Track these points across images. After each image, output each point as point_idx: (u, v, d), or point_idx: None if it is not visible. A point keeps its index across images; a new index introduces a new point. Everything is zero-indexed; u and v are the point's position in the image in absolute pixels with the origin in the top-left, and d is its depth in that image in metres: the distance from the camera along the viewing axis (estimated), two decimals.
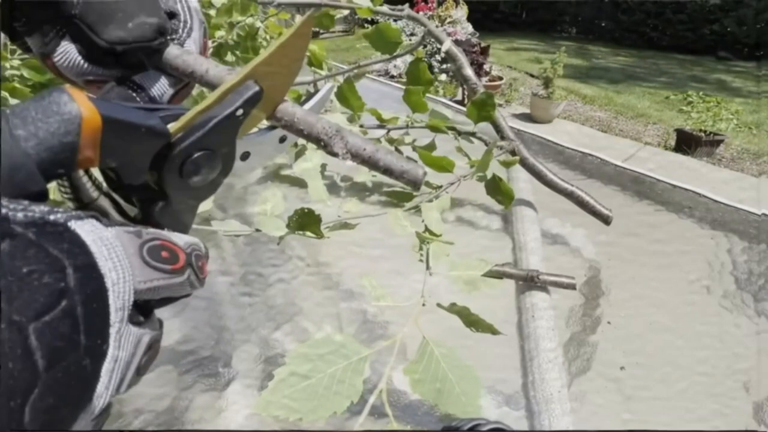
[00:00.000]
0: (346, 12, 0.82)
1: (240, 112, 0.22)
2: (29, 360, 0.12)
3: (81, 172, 0.18)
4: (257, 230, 0.57)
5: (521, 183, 0.76)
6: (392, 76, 3.57)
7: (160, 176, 0.20)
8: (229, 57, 0.90)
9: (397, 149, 0.74)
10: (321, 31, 0.94)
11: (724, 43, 5.80)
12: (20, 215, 0.13)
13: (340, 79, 0.84)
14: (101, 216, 0.17)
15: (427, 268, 0.50)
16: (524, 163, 0.70)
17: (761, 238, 0.70)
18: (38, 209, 0.14)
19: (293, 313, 0.53)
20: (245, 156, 0.25)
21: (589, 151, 0.94)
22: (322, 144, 0.27)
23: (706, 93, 3.32)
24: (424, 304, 0.45)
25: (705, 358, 0.52)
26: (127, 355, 0.16)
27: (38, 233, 0.13)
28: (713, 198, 0.78)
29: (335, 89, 0.73)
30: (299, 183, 0.72)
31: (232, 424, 0.41)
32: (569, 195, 0.68)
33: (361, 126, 0.74)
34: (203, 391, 0.44)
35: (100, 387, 0.15)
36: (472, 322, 0.44)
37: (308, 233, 0.56)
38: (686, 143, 3.11)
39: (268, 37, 0.99)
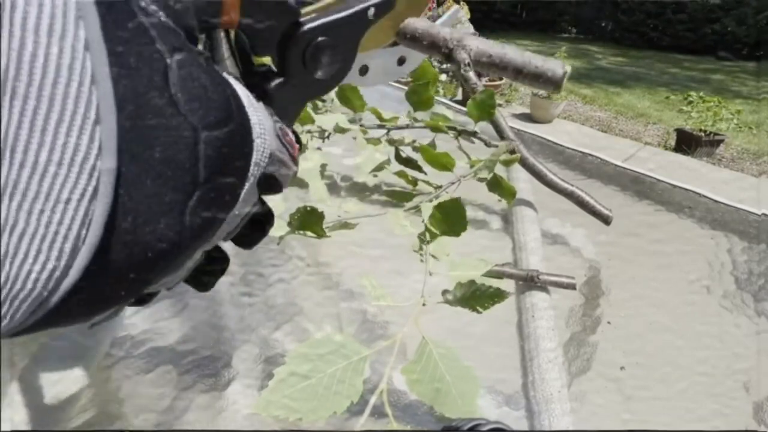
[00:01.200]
0: None
1: (371, 12, 0.23)
2: (195, 166, 0.13)
3: (222, 35, 0.19)
4: None
5: (521, 183, 0.76)
6: None
7: (284, 56, 0.21)
8: None
9: (397, 150, 0.74)
10: None
11: (724, 42, 5.80)
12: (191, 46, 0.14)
13: None
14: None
15: (424, 259, 0.50)
16: (524, 163, 0.70)
17: (761, 238, 0.70)
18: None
19: (293, 313, 0.53)
20: (364, 70, 0.26)
21: (589, 151, 0.94)
22: (445, 53, 0.27)
23: (706, 93, 3.33)
24: (424, 304, 0.45)
25: (705, 358, 0.52)
26: (243, 212, 0.17)
27: (207, 62, 0.14)
28: (713, 198, 0.78)
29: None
30: (299, 183, 0.72)
31: (232, 424, 0.41)
32: (569, 195, 0.68)
33: (362, 126, 0.74)
34: (203, 391, 0.44)
35: (224, 226, 0.16)
36: (480, 296, 0.44)
37: (309, 233, 0.56)
38: (686, 143, 3.11)
39: None
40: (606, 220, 0.67)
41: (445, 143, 0.69)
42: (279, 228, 0.56)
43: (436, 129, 0.69)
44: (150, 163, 0.12)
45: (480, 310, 0.44)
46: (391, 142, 0.75)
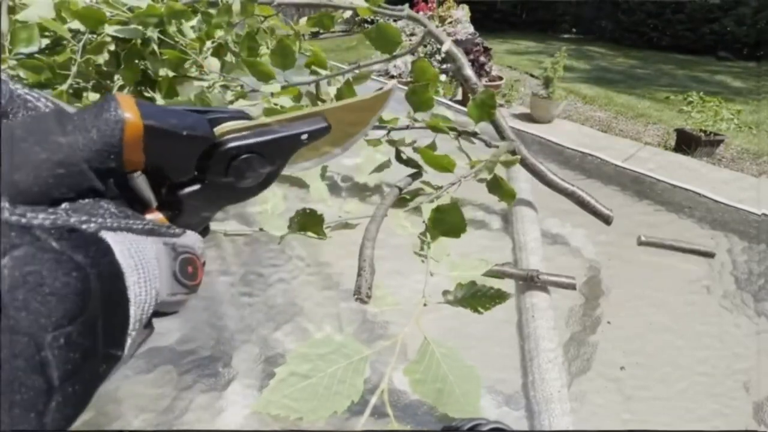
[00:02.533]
0: (349, 13, 0.82)
1: (305, 137, 0.23)
2: (43, 374, 0.12)
3: (138, 173, 0.18)
4: (260, 230, 0.57)
5: (521, 183, 0.76)
6: (392, 76, 3.57)
7: (204, 168, 0.21)
8: (229, 57, 0.90)
9: (397, 150, 0.74)
10: (321, 31, 0.94)
11: (724, 42, 5.80)
12: (47, 222, 0.13)
13: (341, 79, 0.85)
14: (158, 225, 0.18)
15: (425, 259, 0.50)
16: (524, 163, 0.70)
17: (761, 238, 0.70)
18: (74, 218, 0.14)
19: (293, 313, 0.53)
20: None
21: (589, 151, 0.94)
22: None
23: (706, 93, 3.32)
24: (425, 304, 0.45)
25: (705, 358, 0.52)
26: (128, 355, 0.16)
27: (62, 240, 0.13)
28: (713, 198, 0.78)
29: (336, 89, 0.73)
30: (299, 183, 0.72)
31: (232, 424, 0.41)
32: (569, 195, 0.68)
33: None
34: (203, 391, 0.44)
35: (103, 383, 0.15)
36: (481, 297, 0.44)
37: (309, 233, 0.56)
38: (686, 143, 3.11)
39: (268, 39, 0.99)
40: (606, 220, 0.67)
41: (446, 143, 0.69)
42: (279, 228, 0.56)
43: (436, 129, 0.69)
44: None
45: (481, 311, 0.44)
46: (391, 142, 0.75)
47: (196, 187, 0.21)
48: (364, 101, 0.26)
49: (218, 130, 0.21)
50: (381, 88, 0.27)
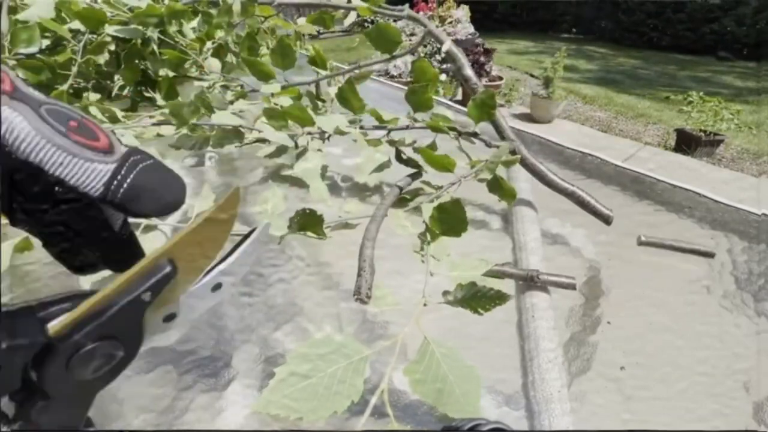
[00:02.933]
0: (354, 17, 0.83)
1: (147, 296, 0.20)
2: None
3: None
4: None
5: (521, 183, 0.76)
6: (392, 76, 3.57)
7: (40, 374, 0.18)
8: (229, 57, 0.90)
9: (397, 150, 0.74)
10: (321, 30, 0.94)
11: (724, 42, 5.81)
12: None
13: (341, 79, 0.85)
14: None
15: (425, 260, 0.50)
16: (524, 163, 0.70)
17: (761, 238, 0.70)
18: None
19: (293, 313, 0.53)
20: (170, 317, 0.23)
21: (589, 151, 0.94)
22: None
23: (706, 93, 3.32)
24: (425, 304, 0.45)
25: (705, 358, 0.52)
26: None
27: None
28: (713, 198, 0.78)
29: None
30: (299, 183, 0.72)
31: (232, 424, 0.41)
32: (570, 195, 0.68)
33: (362, 127, 0.74)
34: (203, 391, 0.44)
35: None
36: (481, 298, 0.44)
37: (309, 233, 0.56)
38: (686, 143, 3.11)
39: (268, 39, 0.99)
40: (607, 220, 0.67)
41: (446, 143, 0.70)
42: (279, 228, 0.56)
43: (436, 129, 0.69)
44: None
45: (481, 311, 0.44)
46: (391, 142, 0.75)
47: (43, 402, 0.18)
48: (213, 212, 0.21)
49: (51, 328, 0.18)
50: (228, 195, 0.22)
